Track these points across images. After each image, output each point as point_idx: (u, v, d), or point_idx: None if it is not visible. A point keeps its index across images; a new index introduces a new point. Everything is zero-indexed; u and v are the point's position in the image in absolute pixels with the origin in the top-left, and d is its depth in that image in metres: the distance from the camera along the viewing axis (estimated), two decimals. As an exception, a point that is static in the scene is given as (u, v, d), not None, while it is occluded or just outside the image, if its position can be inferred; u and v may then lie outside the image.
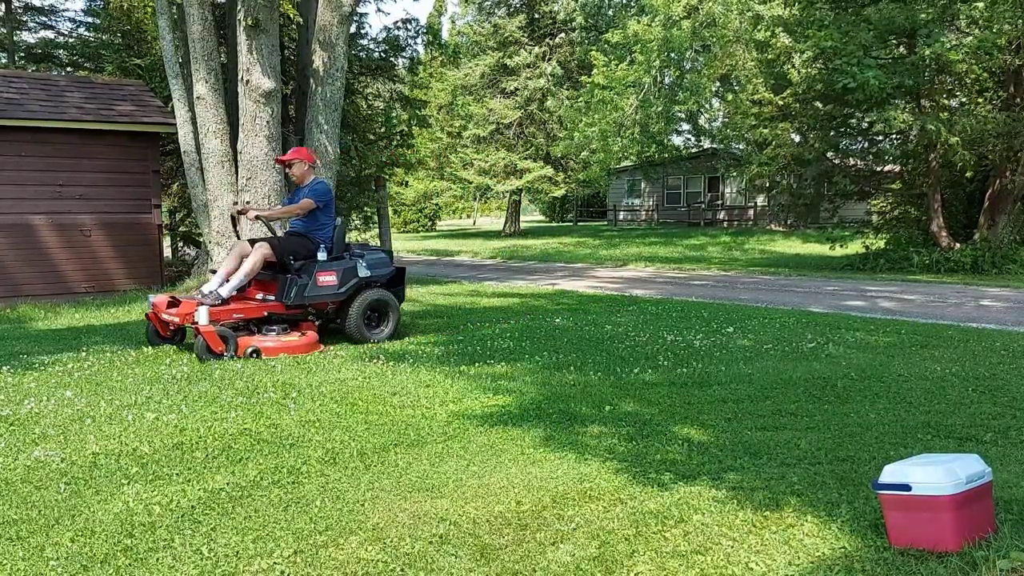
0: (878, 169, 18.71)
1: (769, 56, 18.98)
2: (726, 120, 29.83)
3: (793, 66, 17.23)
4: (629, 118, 27.06)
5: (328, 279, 7.24)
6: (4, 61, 22.27)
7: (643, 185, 39.51)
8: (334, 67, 12.15)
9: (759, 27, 21.33)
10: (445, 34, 44.87)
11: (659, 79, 28.01)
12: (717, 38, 24.35)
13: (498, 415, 4.73)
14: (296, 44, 15.15)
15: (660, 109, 27.57)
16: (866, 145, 18.74)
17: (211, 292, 6.87)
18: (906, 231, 17.50)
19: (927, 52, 14.20)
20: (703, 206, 37.19)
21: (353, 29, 15.66)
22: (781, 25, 18.09)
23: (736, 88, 26.84)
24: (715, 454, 3.93)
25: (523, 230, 39.38)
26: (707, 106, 31.95)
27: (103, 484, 3.62)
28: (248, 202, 11.59)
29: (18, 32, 23.43)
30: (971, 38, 14.02)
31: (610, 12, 35.90)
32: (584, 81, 29.81)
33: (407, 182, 41.90)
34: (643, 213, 40.14)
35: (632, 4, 35.39)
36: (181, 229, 19.22)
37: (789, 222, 24.66)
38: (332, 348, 7.20)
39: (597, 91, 27.31)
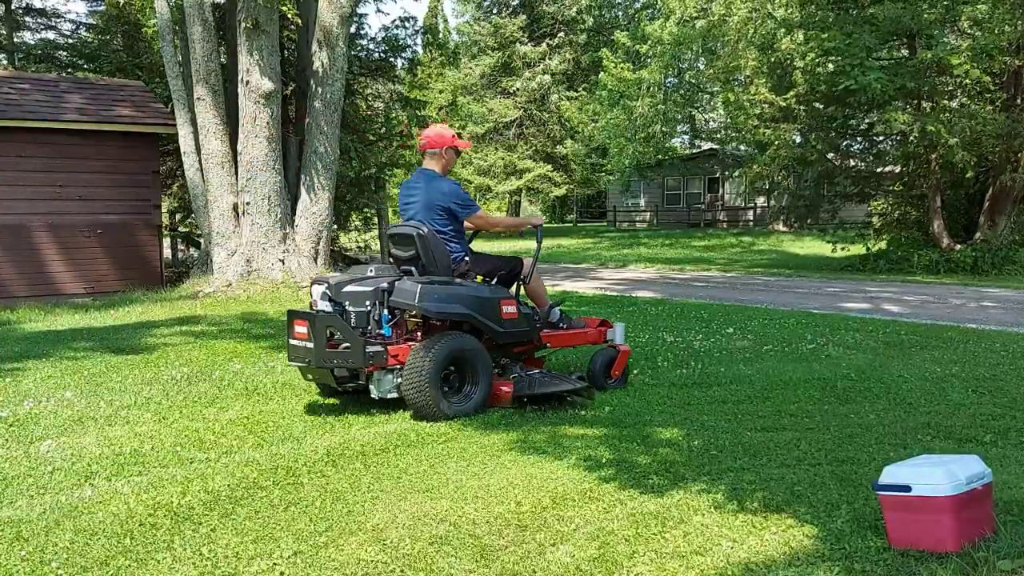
0: (878, 170, 18.70)
1: (772, 58, 18.98)
2: (728, 121, 29.85)
3: (796, 68, 17.23)
4: (643, 118, 27.09)
5: None
6: (4, 62, 22.27)
7: (643, 186, 39.54)
8: (334, 68, 12.15)
9: (762, 27, 21.34)
10: (441, 34, 44.87)
11: (677, 78, 28.06)
12: (724, 37, 24.31)
13: (498, 416, 4.72)
14: (296, 45, 15.15)
15: (676, 106, 27.64)
16: (866, 146, 18.74)
17: None
18: (906, 232, 17.49)
19: (928, 55, 14.20)
20: (703, 207, 37.19)
21: (352, 29, 15.68)
22: (784, 27, 18.10)
23: (738, 88, 26.83)
24: (715, 455, 3.93)
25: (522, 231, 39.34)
26: (717, 106, 32.01)
27: (103, 484, 3.62)
28: (248, 203, 11.60)
29: (18, 33, 23.44)
30: (972, 41, 14.00)
31: (609, 13, 35.94)
32: (593, 80, 29.90)
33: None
34: (643, 214, 40.16)
35: (636, 3, 35.46)
36: (181, 229, 19.22)
37: (792, 223, 24.65)
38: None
39: (606, 93, 27.38)
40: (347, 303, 4.72)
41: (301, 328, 4.68)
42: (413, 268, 5.02)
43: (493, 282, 5.19)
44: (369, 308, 4.73)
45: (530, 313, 5.23)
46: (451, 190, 5.13)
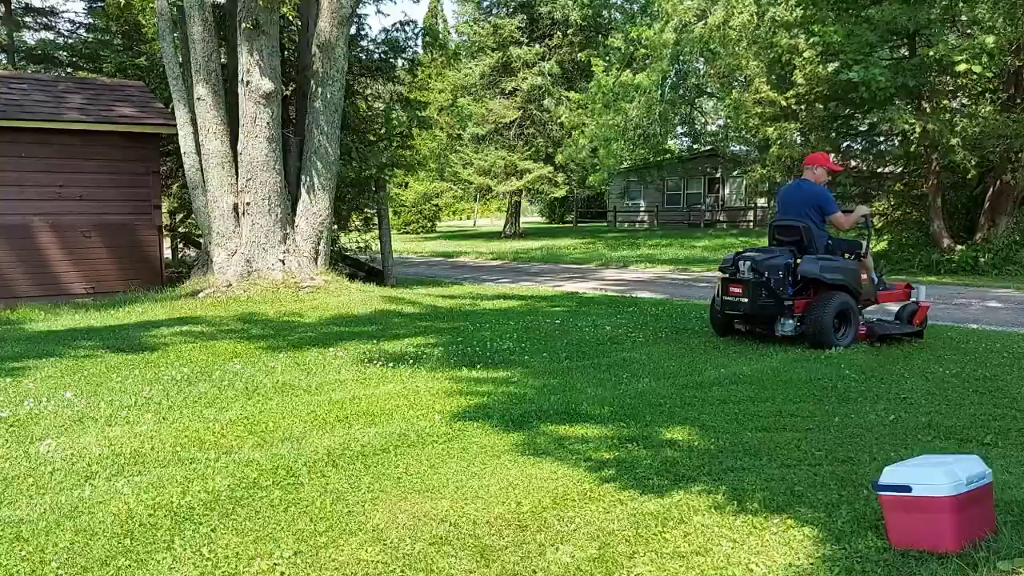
0: (879, 171, 18.67)
1: (772, 55, 18.95)
2: (728, 121, 29.79)
3: (796, 66, 17.21)
4: (633, 121, 27.00)
5: None
6: (4, 62, 22.25)
7: (642, 187, 39.52)
8: (334, 68, 12.14)
9: (763, 26, 21.31)
10: (440, 34, 44.74)
11: (673, 82, 27.98)
12: (725, 37, 24.22)
13: (498, 416, 4.72)
14: (296, 45, 15.14)
15: (673, 107, 27.56)
16: (867, 146, 18.71)
17: None
18: (907, 232, 17.47)
19: (930, 53, 14.18)
20: (703, 208, 37.17)
21: (353, 30, 15.65)
22: (784, 26, 18.08)
23: (738, 88, 26.79)
24: (715, 455, 3.92)
25: (523, 231, 39.34)
26: (716, 107, 31.94)
27: (103, 484, 3.62)
28: (248, 203, 11.60)
29: (18, 33, 23.39)
30: (975, 40, 13.97)
31: (606, 13, 35.87)
32: (588, 86, 29.80)
33: (407, 183, 41.81)
34: (643, 215, 40.13)
35: (633, 6, 35.40)
36: (181, 230, 19.21)
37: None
38: (332, 350, 7.20)
39: (600, 95, 27.28)
40: (766, 273, 6.72)
41: (736, 288, 6.91)
42: (795, 248, 7.00)
43: (851, 258, 7.17)
44: (781, 276, 6.69)
45: (874, 279, 7.32)
46: (823, 194, 7.14)
